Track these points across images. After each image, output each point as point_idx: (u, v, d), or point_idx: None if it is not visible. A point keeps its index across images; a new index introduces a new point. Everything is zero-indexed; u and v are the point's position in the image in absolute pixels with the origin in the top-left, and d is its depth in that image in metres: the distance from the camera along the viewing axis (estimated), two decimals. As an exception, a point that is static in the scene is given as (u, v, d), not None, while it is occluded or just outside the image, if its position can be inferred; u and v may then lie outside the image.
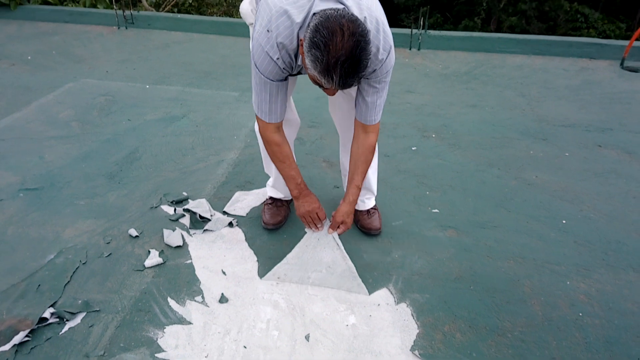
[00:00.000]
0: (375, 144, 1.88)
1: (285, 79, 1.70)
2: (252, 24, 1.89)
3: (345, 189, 2.23)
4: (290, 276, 1.97)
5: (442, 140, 3.14)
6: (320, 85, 1.49)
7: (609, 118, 3.48)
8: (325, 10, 1.42)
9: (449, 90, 4.02)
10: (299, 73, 1.73)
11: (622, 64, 4.50)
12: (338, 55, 1.35)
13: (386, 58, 1.62)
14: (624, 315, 1.83)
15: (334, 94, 1.58)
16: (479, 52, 4.88)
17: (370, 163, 1.91)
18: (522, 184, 2.66)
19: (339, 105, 2.03)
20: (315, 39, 1.37)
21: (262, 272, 2.01)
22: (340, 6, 1.47)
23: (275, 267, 2.00)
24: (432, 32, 5.03)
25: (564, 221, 2.36)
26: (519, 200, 2.51)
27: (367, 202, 2.27)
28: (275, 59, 1.57)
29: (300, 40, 1.48)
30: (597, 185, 2.66)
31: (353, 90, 1.86)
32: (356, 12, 1.48)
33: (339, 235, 2.00)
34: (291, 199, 2.36)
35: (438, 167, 2.82)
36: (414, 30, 4.94)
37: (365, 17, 1.50)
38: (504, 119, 3.46)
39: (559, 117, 3.49)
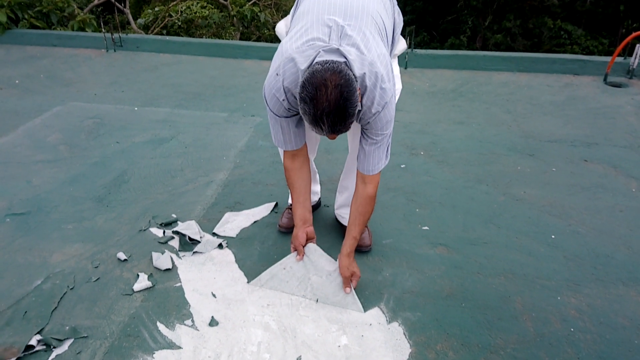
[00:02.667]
0: (374, 196, 1.91)
1: (295, 115, 1.79)
2: None
3: (335, 199, 2.42)
4: (295, 270, 2.02)
5: (431, 158, 3.16)
6: (317, 133, 1.58)
7: (594, 133, 3.53)
8: (314, 64, 1.51)
9: (436, 108, 4.06)
10: None
11: (605, 79, 4.58)
12: (323, 107, 1.46)
13: (380, 111, 1.69)
14: (616, 330, 1.83)
15: (334, 139, 1.64)
16: (465, 70, 4.94)
17: (368, 215, 1.96)
18: (511, 199, 2.68)
19: (354, 141, 2.11)
20: (302, 95, 1.48)
21: (252, 295, 1.99)
22: (342, 59, 1.55)
23: (285, 258, 2.05)
24: (418, 50, 5.10)
25: (553, 236, 2.37)
26: (507, 216, 2.53)
27: None
28: (281, 100, 1.71)
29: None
30: (585, 199, 2.69)
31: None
32: (357, 66, 1.57)
33: (354, 288, 1.98)
34: (314, 206, 2.48)
35: (427, 184, 2.84)
36: (401, 49, 5.00)
37: (364, 73, 1.60)
38: (491, 136, 3.50)
39: (545, 133, 3.53)
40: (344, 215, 2.35)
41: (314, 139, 2.20)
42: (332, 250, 2.14)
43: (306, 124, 1.61)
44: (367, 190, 1.89)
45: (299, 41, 1.65)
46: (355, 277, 1.97)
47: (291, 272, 2.03)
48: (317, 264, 2.03)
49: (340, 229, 2.38)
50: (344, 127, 1.53)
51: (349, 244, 1.94)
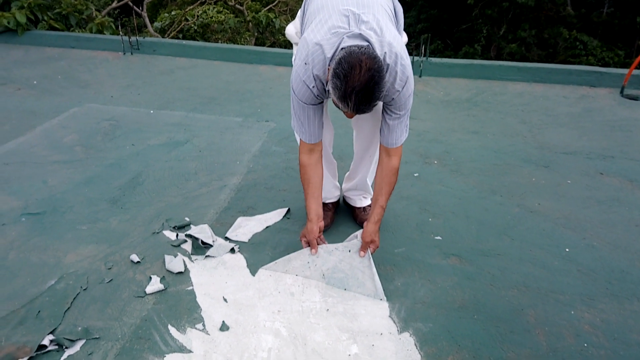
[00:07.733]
0: (397, 167, 2.06)
1: (320, 102, 1.94)
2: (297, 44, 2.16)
3: (344, 182, 2.58)
4: (309, 259, 2.11)
5: (444, 167, 3.15)
6: (341, 109, 1.72)
7: (610, 145, 3.49)
8: (351, 46, 1.66)
9: (450, 117, 4.05)
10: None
11: (622, 91, 4.54)
12: (354, 85, 1.59)
13: (402, 88, 1.84)
14: (630, 346, 1.80)
15: (352, 117, 1.82)
16: (480, 79, 4.93)
17: (393, 185, 2.08)
18: (525, 211, 2.66)
19: (363, 131, 2.27)
20: (337, 70, 1.61)
21: (263, 301, 1.99)
22: (365, 43, 1.71)
23: (297, 253, 2.14)
24: (433, 59, 5.10)
25: (567, 249, 2.35)
26: (521, 228, 2.51)
27: (363, 200, 2.53)
28: (311, 87, 1.84)
29: (328, 68, 1.74)
30: (600, 213, 2.66)
31: (377, 120, 2.08)
32: (378, 48, 1.72)
33: (371, 254, 2.10)
34: (336, 202, 2.58)
35: (440, 193, 2.82)
36: (415, 58, 5.00)
37: (385, 53, 1.75)
38: (506, 146, 3.48)
39: (560, 145, 3.51)
40: (352, 196, 2.54)
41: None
42: (343, 226, 2.46)
43: (332, 99, 1.70)
44: (391, 163, 2.03)
45: (321, 31, 1.78)
46: (374, 244, 2.08)
47: (305, 261, 2.11)
48: (330, 251, 2.12)
49: (347, 208, 2.63)
50: (368, 108, 1.66)
51: (376, 212, 2.07)
